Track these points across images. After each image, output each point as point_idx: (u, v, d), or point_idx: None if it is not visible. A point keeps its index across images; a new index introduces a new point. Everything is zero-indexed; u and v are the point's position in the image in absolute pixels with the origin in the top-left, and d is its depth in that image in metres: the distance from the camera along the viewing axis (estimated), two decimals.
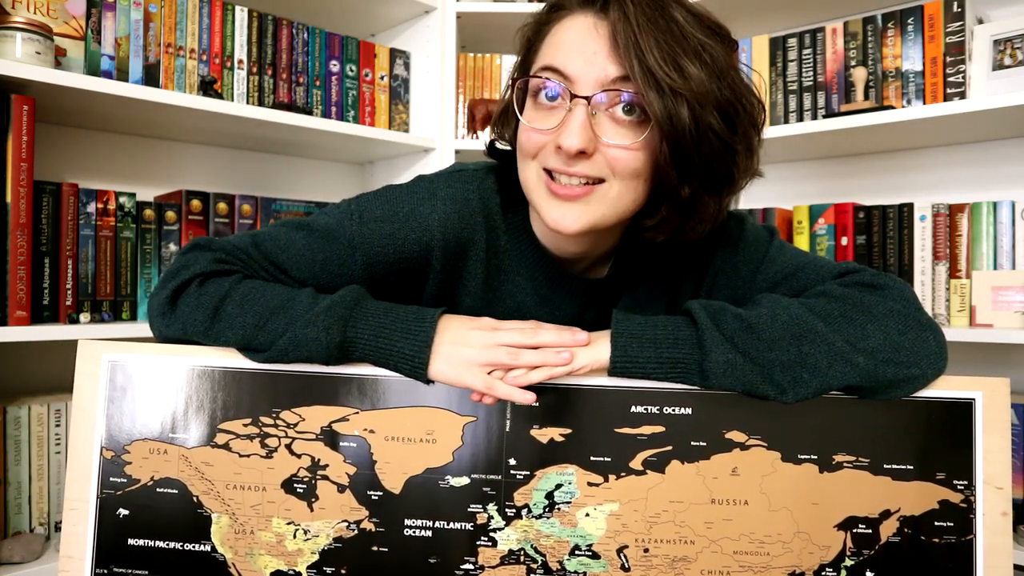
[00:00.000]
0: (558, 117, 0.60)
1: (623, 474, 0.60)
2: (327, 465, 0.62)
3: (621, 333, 0.60)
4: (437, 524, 0.61)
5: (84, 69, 1.15)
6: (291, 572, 0.61)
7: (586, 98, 0.58)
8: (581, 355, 0.59)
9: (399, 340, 0.60)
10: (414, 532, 0.61)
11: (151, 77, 1.21)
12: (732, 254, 0.72)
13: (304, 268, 0.67)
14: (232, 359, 0.63)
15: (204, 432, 0.63)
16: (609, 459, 0.60)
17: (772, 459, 0.60)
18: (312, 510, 0.62)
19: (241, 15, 1.33)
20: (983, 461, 0.60)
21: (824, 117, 1.35)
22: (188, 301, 0.64)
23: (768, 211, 1.43)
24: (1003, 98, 1.13)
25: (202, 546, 0.62)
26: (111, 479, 0.63)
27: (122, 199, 1.19)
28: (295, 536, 0.62)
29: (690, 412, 0.60)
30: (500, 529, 0.60)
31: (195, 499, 0.62)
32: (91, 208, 1.15)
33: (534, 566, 0.60)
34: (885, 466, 0.60)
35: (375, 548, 0.61)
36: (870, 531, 0.60)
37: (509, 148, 0.71)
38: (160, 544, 0.62)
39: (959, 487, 0.60)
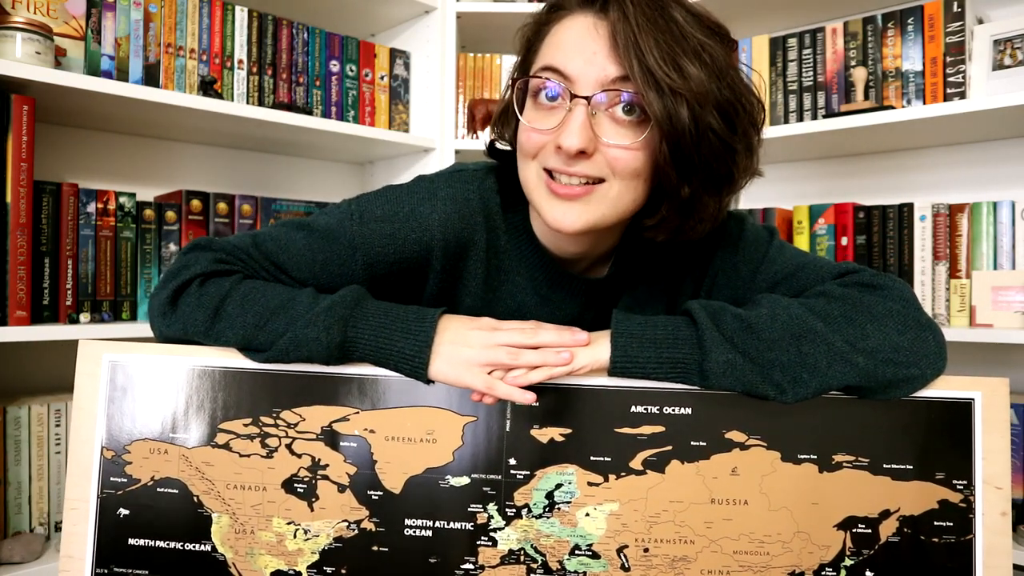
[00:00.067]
0: (558, 117, 0.60)
1: (623, 474, 0.60)
2: (327, 465, 0.62)
3: (621, 333, 0.60)
4: (437, 524, 0.61)
5: (84, 69, 1.15)
6: (291, 572, 0.62)
7: (586, 98, 0.58)
8: (581, 355, 0.59)
9: (399, 340, 0.60)
10: (414, 532, 0.61)
11: (151, 77, 1.21)
12: (732, 254, 0.72)
13: (304, 268, 0.67)
14: (232, 359, 0.63)
15: (204, 432, 0.63)
16: (609, 459, 0.60)
17: (772, 459, 0.60)
18: (312, 510, 0.62)
19: (241, 15, 1.33)
20: (982, 461, 0.60)
21: (824, 117, 1.35)
22: (189, 301, 0.64)
23: (768, 211, 1.43)
24: (1003, 98, 1.13)
25: (202, 546, 0.62)
26: (111, 479, 0.63)
27: (122, 199, 1.19)
28: (295, 536, 0.62)
29: (690, 412, 0.60)
30: (500, 529, 0.61)
31: (195, 499, 0.62)
32: (91, 208, 1.15)
33: (534, 566, 0.60)
34: (885, 466, 0.60)
35: (375, 548, 0.61)
36: (870, 531, 0.60)
37: (509, 148, 0.71)
38: (160, 544, 0.62)
39: (958, 487, 0.60)
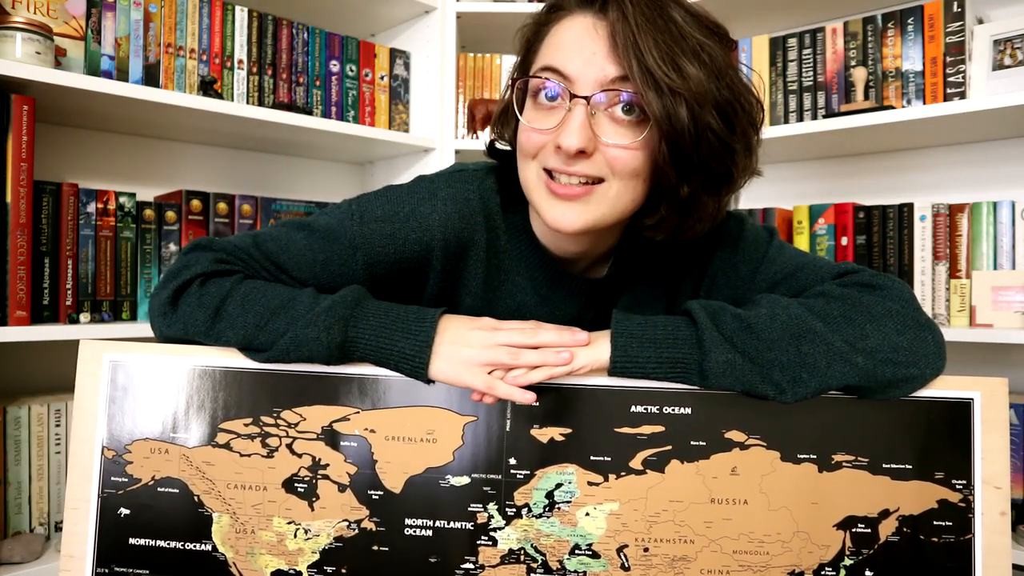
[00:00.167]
0: (558, 117, 0.60)
1: (623, 473, 0.60)
2: (328, 465, 0.62)
3: (621, 333, 0.60)
4: (437, 523, 0.61)
5: (84, 69, 1.15)
6: (292, 571, 0.62)
7: (585, 98, 0.59)
8: (581, 355, 0.60)
9: (400, 340, 0.60)
10: (415, 531, 0.61)
11: (151, 77, 1.21)
12: (732, 254, 0.72)
13: (305, 268, 0.68)
14: (233, 359, 0.64)
15: (205, 432, 0.63)
16: (609, 459, 0.60)
17: (771, 459, 0.60)
18: (313, 509, 0.62)
19: (241, 15, 1.33)
20: (982, 461, 0.60)
21: (824, 117, 1.35)
22: (189, 301, 0.64)
23: (768, 211, 1.43)
24: (1003, 98, 1.13)
25: (203, 545, 0.62)
26: (112, 478, 0.63)
27: (122, 199, 1.19)
28: (296, 535, 0.62)
29: (690, 412, 0.60)
30: (500, 528, 0.61)
31: (196, 498, 0.62)
32: (91, 208, 1.15)
33: (534, 565, 0.60)
34: (884, 466, 0.60)
35: (376, 547, 0.61)
36: (869, 530, 0.60)
37: (509, 148, 0.71)
38: (161, 543, 0.62)
39: (958, 487, 0.60)
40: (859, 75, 1.33)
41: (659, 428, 0.60)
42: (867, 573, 0.60)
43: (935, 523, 0.59)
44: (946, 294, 1.26)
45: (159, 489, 0.63)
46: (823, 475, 0.60)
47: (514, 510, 0.61)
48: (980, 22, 1.31)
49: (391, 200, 0.68)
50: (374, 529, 0.61)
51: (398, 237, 0.67)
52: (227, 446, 0.63)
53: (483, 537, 0.61)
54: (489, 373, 0.59)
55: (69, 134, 1.31)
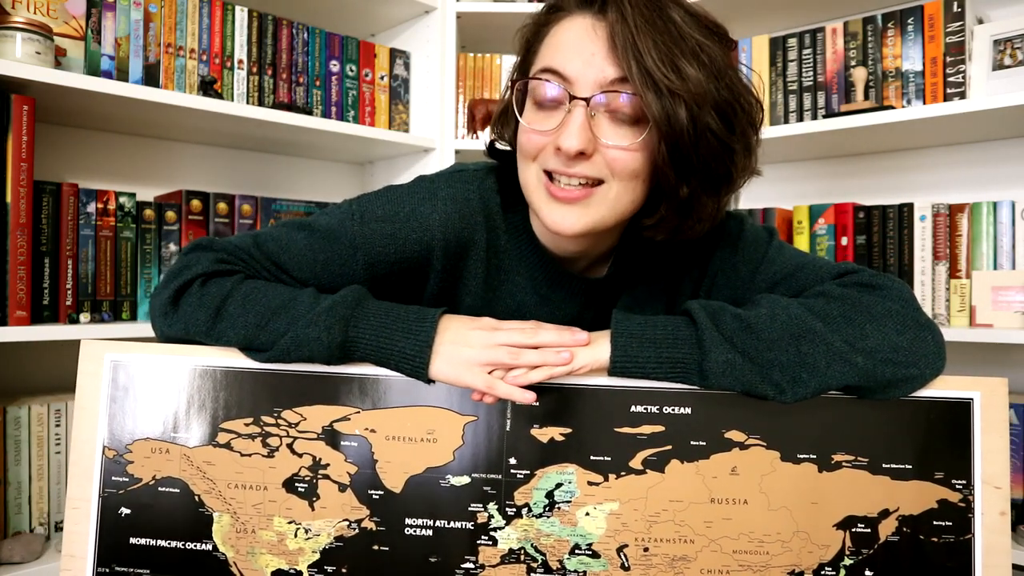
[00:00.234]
0: (557, 118, 0.60)
1: (623, 473, 0.60)
2: (328, 464, 0.62)
3: (621, 333, 0.60)
4: (438, 523, 0.61)
5: (84, 69, 1.15)
6: (292, 571, 0.62)
7: (585, 99, 0.59)
8: (581, 355, 0.60)
9: (400, 340, 0.60)
10: (415, 531, 0.61)
11: (151, 77, 1.21)
12: (731, 254, 0.72)
13: (305, 268, 0.68)
14: (234, 359, 0.64)
15: (206, 431, 0.63)
16: (609, 458, 0.60)
17: (771, 458, 0.60)
18: (313, 509, 0.62)
19: (241, 15, 1.33)
20: (981, 461, 0.60)
21: (824, 117, 1.35)
22: (190, 301, 0.64)
23: (768, 211, 1.44)
24: (1003, 98, 1.13)
25: (203, 545, 0.62)
26: (113, 478, 0.63)
27: (122, 199, 1.19)
28: (296, 535, 0.62)
29: (690, 412, 0.61)
30: (500, 528, 0.61)
31: (197, 498, 0.62)
32: (91, 208, 1.15)
33: (534, 565, 0.60)
34: (884, 465, 0.60)
35: (376, 547, 0.61)
36: (869, 530, 0.60)
37: (509, 148, 0.71)
38: (162, 543, 0.62)
39: (958, 486, 0.60)
40: (859, 75, 1.33)
41: (659, 428, 0.61)
42: (867, 573, 0.60)
43: (935, 523, 0.60)
44: (946, 294, 1.26)
45: (160, 489, 0.63)
46: (823, 475, 0.60)
47: (514, 510, 0.61)
48: (980, 22, 1.31)
49: (391, 200, 0.68)
50: (374, 529, 0.61)
51: (398, 237, 0.67)
52: (228, 446, 0.63)
53: (483, 537, 0.61)
54: (489, 373, 0.59)
55: (69, 134, 1.32)
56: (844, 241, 1.35)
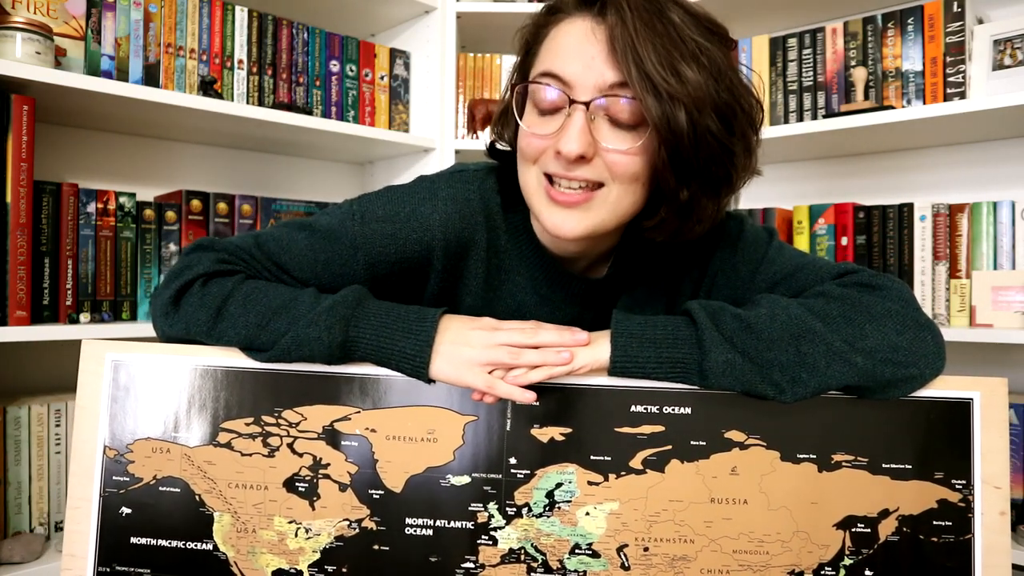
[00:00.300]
0: (557, 122, 0.60)
1: (623, 473, 0.60)
2: (329, 464, 0.62)
3: (621, 333, 0.60)
4: (438, 523, 0.61)
5: (84, 69, 1.15)
6: (293, 571, 0.62)
7: (585, 103, 0.59)
8: (581, 355, 0.60)
9: (401, 340, 0.60)
10: (415, 531, 0.61)
11: (151, 77, 1.21)
12: (731, 254, 0.72)
13: (306, 268, 0.68)
14: (235, 358, 0.64)
15: (206, 431, 0.63)
16: (609, 458, 0.60)
17: (771, 458, 0.60)
18: (314, 509, 0.62)
19: (241, 15, 1.33)
20: (981, 461, 0.60)
21: (824, 117, 1.35)
22: (191, 301, 0.64)
23: (768, 211, 1.44)
24: (1003, 98, 1.13)
25: (204, 545, 0.62)
26: (114, 478, 0.63)
27: (122, 199, 1.19)
28: (297, 535, 0.62)
29: (690, 412, 0.61)
30: (501, 528, 0.61)
31: (197, 498, 0.63)
32: (91, 208, 1.15)
33: (534, 565, 0.61)
34: (884, 465, 0.60)
35: (376, 547, 0.61)
36: (869, 530, 0.60)
37: (509, 149, 0.71)
38: (162, 543, 0.62)
39: (957, 486, 0.60)
40: (859, 75, 1.33)
41: (659, 428, 0.61)
42: (867, 573, 0.60)
43: (935, 523, 0.60)
44: (946, 294, 1.26)
45: (160, 488, 0.63)
46: (823, 475, 0.60)
47: (514, 509, 0.61)
48: (980, 22, 1.31)
49: (392, 200, 0.68)
50: (375, 528, 0.61)
51: (399, 237, 0.67)
52: (228, 445, 0.63)
53: (483, 536, 0.61)
54: (489, 373, 0.59)
55: (69, 134, 1.32)
56: (844, 241, 1.35)
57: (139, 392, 0.64)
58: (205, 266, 0.65)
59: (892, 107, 1.27)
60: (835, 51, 1.37)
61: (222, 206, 1.31)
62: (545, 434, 0.61)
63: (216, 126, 1.34)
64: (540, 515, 0.61)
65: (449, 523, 0.61)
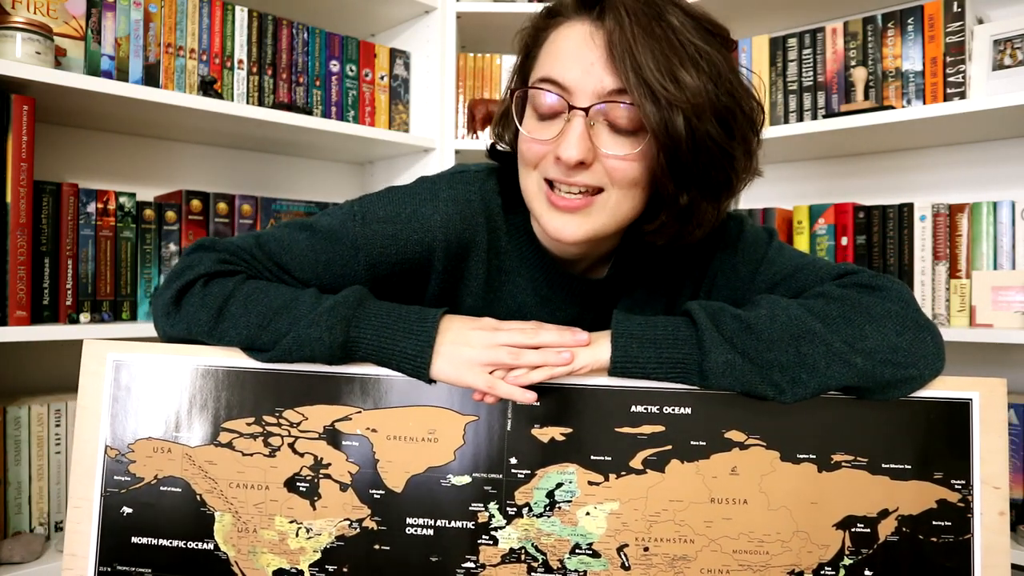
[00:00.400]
0: (557, 127, 0.60)
1: (623, 473, 0.60)
2: (329, 464, 0.62)
3: (621, 333, 0.60)
4: (438, 523, 0.61)
5: (84, 69, 1.15)
6: (293, 570, 0.62)
7: (584, 109, 0.59)
8: (582, 355, 0.60)
9: (401, 340, 0.60)
10: (416, 531, 0.61)
11: (151, 77, 1.21)
12: (731, 255, 0.72)
13: (307, 269, 0.68)
14: (236, 359, 0.64)
15: (207, 431, 0.63)
16: (609, 458, 0.61)
17: (771, 458, 0.60)
18: (314, 508, 0.62)
19: (241, 15, 1.33)
20: (980, 461, 0.60)
21: (824, 117, 1.35)
22: (192, 301, 0.64)
23: (768, 211, 1.44)
24: (1003, 98, 1.13)
25: (205, 544, 0.62)
26: (115, 477, 0.63)
27: (122, 199, 1.19)
28: (297, 534, 0.62)
29: (690, 412, 0.61)
30: (501, 528, 0.61)
31: (198, 497, 0.63)
32: (91, 208, 1.15)
33: (535, 564, 0.61)
34: (883, 466, 0.60)
35: (377, 546, 0.61)
36: (868, 530, 0.60)
37: (509, 150, 0.71)
38: (163, 542, 0.63)
39: (957, 487, 0.60)
40: (859, 75, 1.33)
41: (659, 428, 0.61)
42: (866, 573, 0.60)
43: (934, 523, 0.60)
44: (946, 294, 1.26)
45: (161, 488, 0.63)
46: (823, 475, 0.60)
47: (515, 509, 0.61)
48: (980, 22, 1.31)
49: (393, 201, 0.68)
50: (375, 528, 0.61)
51: (400, 238, 0.67)
52: (229, 445, 0.63)
53: (484, 536, 0.61)
54: (490, 373, 0.59)
55: (69, 134, 1.32)
56: (844, 241, 1.35)
57: (140, 392, 0.64)
58: (206, 266, 0.65)
59: (892, 107, 1.27)
60: (835, 51, 1.37)
61: (222, 206, 1.31)
62: (546, 434, 0.61)
63: (216, 126, 1.34)
64: (540, 515, 0.61)
65: (450, 523, 0.61)
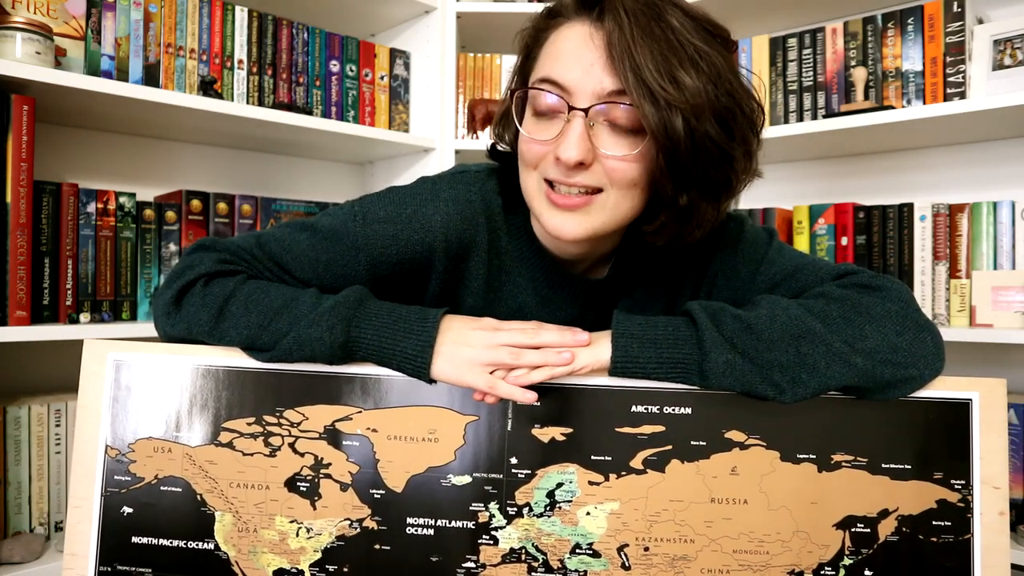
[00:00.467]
0: (557, 128, 0.61)
1: (623, 473, 0.60)
2: (330, 464, 0.62)
3: (622, 333, 0.60)
4: (439, 522, 0.61)
5: (84, 69, 1.15)
6: (294, 570, 0.62)
7: (583, 110, 0.59)
8: (582, 355, 0.60)
9: (402, 340, 0.60)
10: (416, 530, 0.61)
11: (151, 77, 1.21)
12: (731, 255, 0.72)
13: (308, 269, 0.68)
14: (236, 358, 0.64)
15: (208, 431, 0.63)
16: (610, 458, 0.61)
17: (771, 458, 0.60)
18: (315, 508, 0.62)
19: (241, 15, 1.33)
20: (980, 461, 0.60)
21: (824, 117, 1.35)
22: (193, 301, 0.64)
23: (768, 211, 1.44)
24: (1003, 98, 1.13)
25: (205, 544, 0.62)
26: (115, 477, 0.63)
27: (122, 199, 1.19)
28: (298, 534, 0.62)
29: (690, 412, 0.61)
30: (501, 528, 0.61)
31: (199, 497, 0.63)
32: (91, 208, 1.15)
33: (535, 564, 0.61)
34: (883, 466, 0.60)
35: (377, 546, 0.61)
36: (868, 530, 0.60)
37: (509, 150, 0.71)
38: (164, 542, 0.63)
39: (956, 487, 0.60)
40: (859, 75, 1.33)
41: (659, 428, 0.61)
42: (866, 573, 0.60)
43: (934, 523, 0.60)
44: (946, 294, 1.26)
45: (162, 488, 0.63)
46: (823, 475, 0.60)
47: (515, 509, 0.61)
48: (980, 22, 1.31)
49: (394, 201, 0.68)
50: (376, 528, 0.61)
51: (400, 238, 0.67)
52: (230, 445, 0.63)
53: (484, 536, 0.61)
54: (491, 373, 0.59)
55: (69, 134, 1.32)
56: (844, 241, 1.35)
57: (141, 392, 0.64)
58: (207, 266, 0.65)
59: (892, 107, 1.27)
60: (835, 51, 1.37)
61: (222, 206, 1.31)
62: (546, 434, 0.61)
63: (216, 126, 1.34)
64: (541, 515, 0.61)
65: (450, 523, 0.61)
